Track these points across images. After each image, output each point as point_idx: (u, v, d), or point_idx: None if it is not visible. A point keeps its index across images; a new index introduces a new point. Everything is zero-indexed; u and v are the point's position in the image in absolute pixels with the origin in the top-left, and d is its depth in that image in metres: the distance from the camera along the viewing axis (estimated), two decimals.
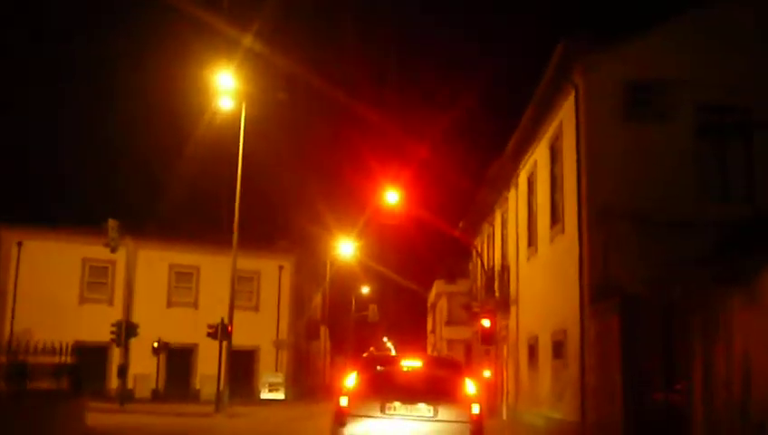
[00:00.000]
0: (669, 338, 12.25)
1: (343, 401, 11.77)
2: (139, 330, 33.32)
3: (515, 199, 27.27)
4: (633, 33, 17.55)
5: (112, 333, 31.81)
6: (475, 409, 11.74)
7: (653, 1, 19.68)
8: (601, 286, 16.64)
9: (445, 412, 11.64)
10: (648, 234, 16.37)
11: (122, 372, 32.70)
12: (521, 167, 26.02)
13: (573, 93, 18.46)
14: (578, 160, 18.14)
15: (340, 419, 11.67)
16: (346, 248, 54.83)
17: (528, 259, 24.96)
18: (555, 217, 21.01)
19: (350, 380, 12.02)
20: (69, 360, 17.71)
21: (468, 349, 46.16)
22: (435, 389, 12.00)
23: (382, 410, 11.61)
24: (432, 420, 11.59)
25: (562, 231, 19.98)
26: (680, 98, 17.01)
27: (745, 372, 9.35)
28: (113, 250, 31.75)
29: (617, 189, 17.18)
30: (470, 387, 12.02)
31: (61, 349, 17.20)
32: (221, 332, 30.33)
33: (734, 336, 9.67)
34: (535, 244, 23.72)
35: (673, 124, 17.09)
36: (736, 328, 9.61)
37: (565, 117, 19.59)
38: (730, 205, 16.48)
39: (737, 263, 9.88)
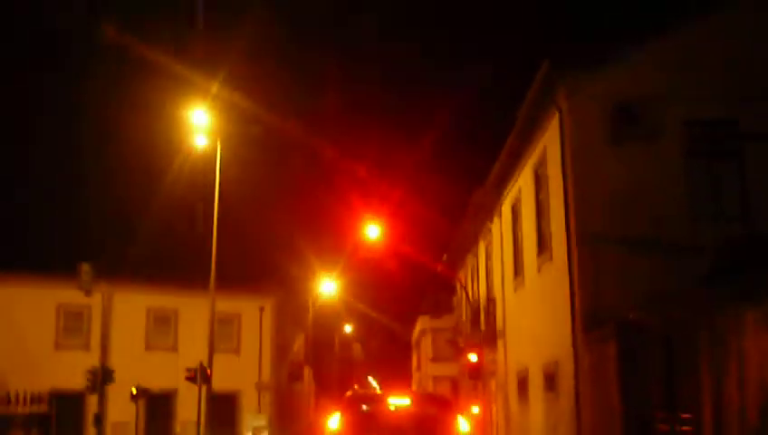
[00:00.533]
0: (672, 365, 11.53)
1: None
2: (116, 375, 32.28)
3: (499, 229, 26.64)
4: (618, 52, 17.04)
5: (88, 380, 30.73)
6: None
7: (636, 19, 19.21)
8: (594, 314, 15.97)
9: None
10: (640, 258, 15.86)
11: (98, 420, 31.55)
12: (504, 195, 25.43)
13: (558, 116, 17.91)
14: (564, 186, 17.53)
15: None
16: (328, 287, 53.93)
17: (515, 290, 24.27)
18: (542, 245, 20.37)
19: (334, 421, 11.15)
20: (41, 410, 16.88)
21: (455, 385, 45.31)
22: (424, 428, 11.19)
23: None
24: None
25: (550, 259, 19.34)
26: (668, 115, 16.50)
27: (763, 399, 8.63)
28: (87, 294, 30.84)
29: (606, 214, 16.61)
30: (462, 425, 11.22)
31: (32, 398, 16.37)
32: (200, 375, 29.35)
33: (749, 359, 8.96)
34: (522, 274, 23.04)
35: (662, 143, 16.57)
36: (751, 350, 8.90)
37: (549, 141, 19.02)
38: (723, 224, 15.86)
39: (747, 280, 9.17)
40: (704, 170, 16.67)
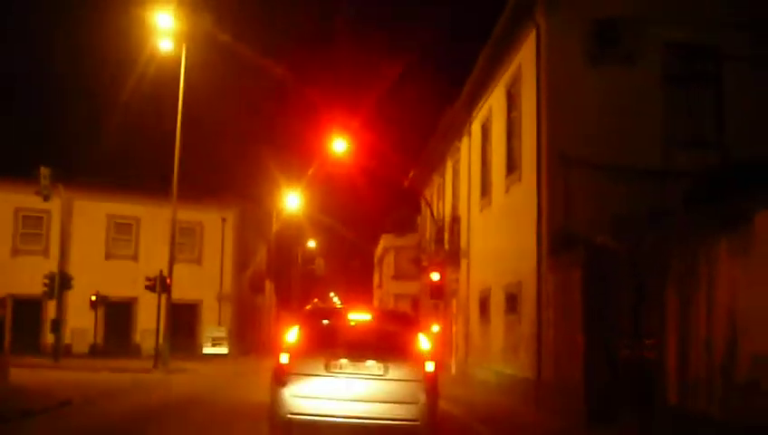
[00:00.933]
0: (639, 291, 11.34)
1: (284, 359, 10.60)
2: (74, 282, 31.96)
3: (468, 149, 26.25)
4: None
5: (45, 285, 30.31)
6: (429, 366, 10.68)
7: None
8: (561, 237, 15.74)
9: (396, 370, 10.55)
10: (612, 182, 15.56)
11: (56, 326, 31.21)
12: (474, 114, 24.97)
13: (535, 32, 17.37)
14: (538, 104, 17.10)
15: (280, 378, 10.51)
16: (292, 200, 53.52)
17: (481, 210, 24.01)
18: (512, 165, 20.02)
19: (292, 334, 10.85)
20: None
21: (416, 303, 45.42)
22: (385, 345, 10.89)
23: (327, 368, 10.48)
24: (382, 379, 10.49)
25: (519, 180, 19.02)
26: (648, 37, 16.01)
27: (731, 328, 8.43)
28: (46, 199, 30.12)
29: (579, 135, 16.23)
30: (424, 343, 10.96)
31: None
32: (160, 284, 29.09)
33: (718, 288, 8.73)
34: (489, 194, 22.75)
35: (640, 66, 16.12)
36: (721, 279, 8.67)
37: (524, 59, 18.51)
38: (699, 151, 15.60)
39: (723, 208, 8.89)
40: (681, 95, 16.32)
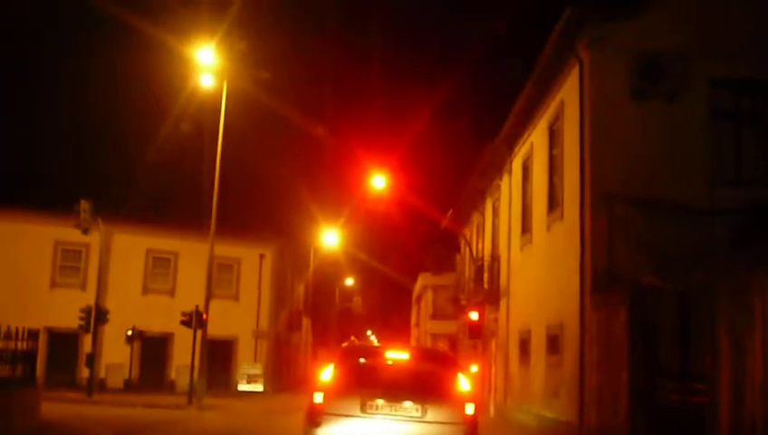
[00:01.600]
0: (688, 332, 10.87)
1: (318, 398, 10.25)
2: (111, 316, 31.91)
3: (509, 186, 25.91)
4: (644, 3, 16.14)
5: (81, 319, 30.29)
6: (470, 409, 10.26)
7: None
8: (604, 276, 15.32)
9: (435, 412, 10.14)
10: (656, 221, 15.16)
11: (90, 360, 31.11)
12: (515, 152, 24.66)
13: (578, 68, 17.05)
14: (581, 141, 16.75)
15: (314, 418, 10.15)
16: (330, 237, 53.34)
17: (521, 248, 23.60)
18: (553, 202, 19.65)
19: (327, 373, 10.51)
20: (25, 345, 16.27)
21: (454, 343, 44.87)
22: (423, 385, 10.51)
23: (363, 409, 10.11)
24: (420, 422, 10.09)
25: (561, 217, 18.63)
26: (693, 73, 15.65)
27: None
28: (85, 232, 30.27)
29: (623, 172, 15.87)
30: (464, 384, 10.58)
31: (16, 334, 15.77)
32: (195, 320, 28.93)
33: None
34: (530, 232, 22.35)
35: (685, 102, 15.74)
36: None
37: (567, 95, 18.21)
38: (745, 189, 15.15)
39: None
40: (727, 131, 15.91)
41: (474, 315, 27.07)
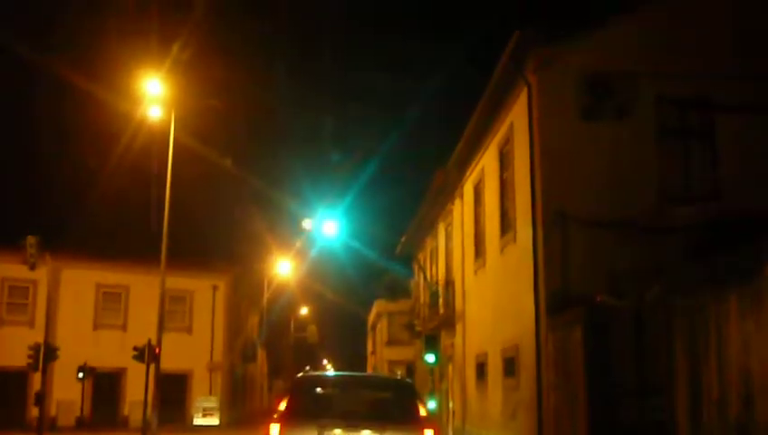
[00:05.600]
0: (643, 349, 10.87)
1: (274, 431, 10.06)
2: (61, 353, 31.17)
3: (461, 210, 25.95)
4: (589, 26, 16.31)
5: (30, 356, 29.57)
6: (428, 434, 10.17)
7: None
8: (559, 296, 15.32)
9: None
10: (609, 239, 15.23)
11: (39, 399, 30.37)
12: (467, 176, 24.72)
13: (526, 91, 17.15)
14: (531, 163, 16.81)
15: None
16: (284, 268, 52.95)
17: (475, 272, 23.59)
18: (506, 225, 19.68)
19: (283, 404, 10.33)
20: None
21: (410, 369, 44.68)
22: (381, 412, 10.40)
23: None
24: None
25: (514, 240, 18.66)
26: (640, 91, 15.83)
27: (745, 388, 7.97)
28: (32, 267, 29.65)
29: (574, 192, 15.94)
30: (421, 409, 10.46)
31: None
32: (148, 354, 28.38)
33: (731, 346, 8.29)
34: (483, 255, 22.36)
35: (633, 120, 15.88)
36: (733, 336, 8.23)
37: (516, 117, 18.30)
38: (695, 206, 15.31)
39: (731, 259, 8.49)
40: (676, 148, 16.08)
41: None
